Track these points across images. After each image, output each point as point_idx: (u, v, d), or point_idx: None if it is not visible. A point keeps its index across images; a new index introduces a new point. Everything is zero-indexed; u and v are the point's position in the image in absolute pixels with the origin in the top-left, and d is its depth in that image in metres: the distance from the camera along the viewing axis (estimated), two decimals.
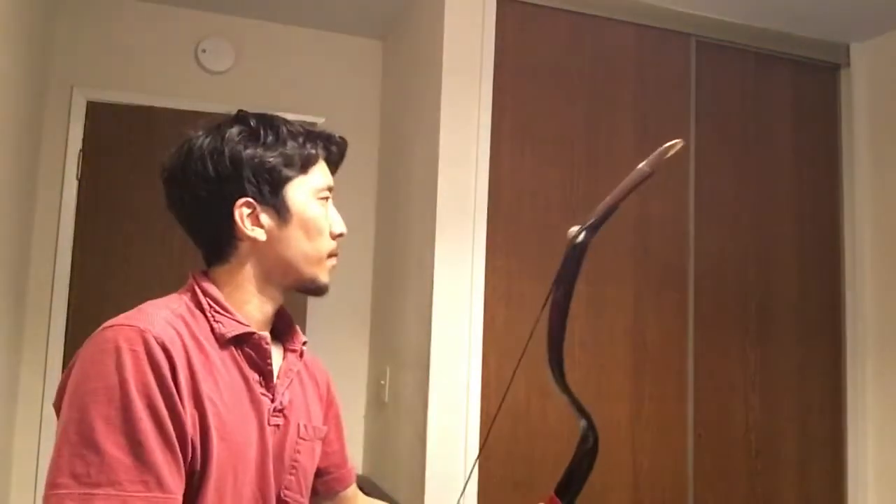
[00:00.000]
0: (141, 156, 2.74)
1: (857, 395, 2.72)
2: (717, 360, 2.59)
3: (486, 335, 2.30)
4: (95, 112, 2.73)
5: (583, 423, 1.11)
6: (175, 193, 1.07)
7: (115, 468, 0.83)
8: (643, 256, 2.50)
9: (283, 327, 1.11)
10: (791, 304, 2.72)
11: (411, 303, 2.48)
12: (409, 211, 2.58)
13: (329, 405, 1.19)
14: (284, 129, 1.05)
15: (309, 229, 1.04)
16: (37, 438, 2.53)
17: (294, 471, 1.05)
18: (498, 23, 2.41)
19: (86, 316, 2.63)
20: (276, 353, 1.07)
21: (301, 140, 1.05)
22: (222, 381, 0.96)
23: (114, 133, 2.74)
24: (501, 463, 2.29)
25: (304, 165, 1.05)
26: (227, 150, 1.01)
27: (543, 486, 2.57)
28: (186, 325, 0.96)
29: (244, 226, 1.01)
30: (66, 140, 2.67)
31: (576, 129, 2.51)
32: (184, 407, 0.89)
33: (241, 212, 1.01)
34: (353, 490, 1.26)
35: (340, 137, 1.12)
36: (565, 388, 1.09)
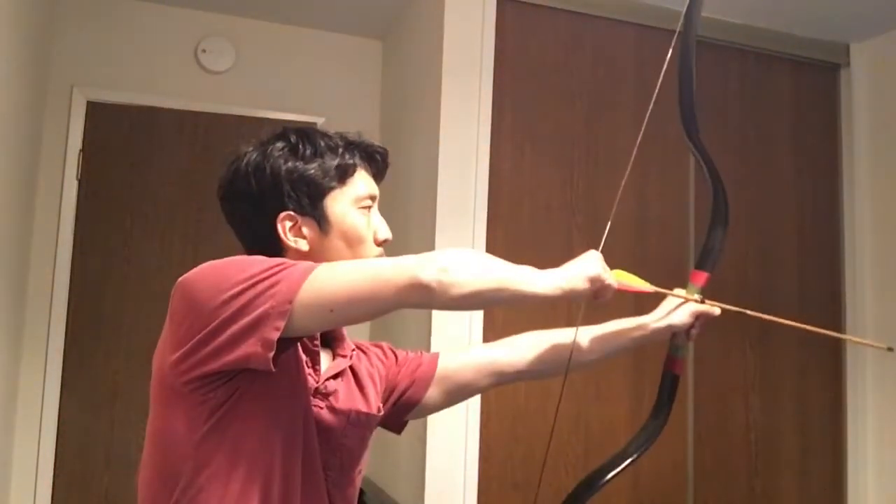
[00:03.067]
0: (141, 156, 2.74)
1: (857, 396, 2.72)
2: (717, 360, 2.58)
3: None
4: (95, 112, 2.73)
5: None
6: (227, 209, 1.13)
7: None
8: (643, 256, 2.50)
9: (335, 334, 1.17)
10: (791, 304, 2.72)
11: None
12: (409, 211, 2.58)
13: (388, 360, 1.27)
14: (322, 143, 1.10)
15: (349, 238, 1.10)
16: (37, 438, 2.54)
17: (339, 453, 1.10)
18: (498, 23, 2.41)
19: (86, 316, 2.63)
20: (326, 357, 1.14)
21: (339, 151, 1.10)
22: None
23: (114, 133, 2.74)
24: (501, 463, 2.29)
25: (343, 176, 1.10)
26: (267, 166, 1.07)
27: (544, 486, 2.57)
28: None
29: (287, 237, 1.07)
30: (66, 140, 2.67)
31: (576, 129, 2.50)
32: None
33: (284, 224, 1.08)
34: (452, 359, 1.29)
35: (381, 147, 1.17)
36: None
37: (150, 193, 2.71)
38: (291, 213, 1.07)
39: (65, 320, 2.61)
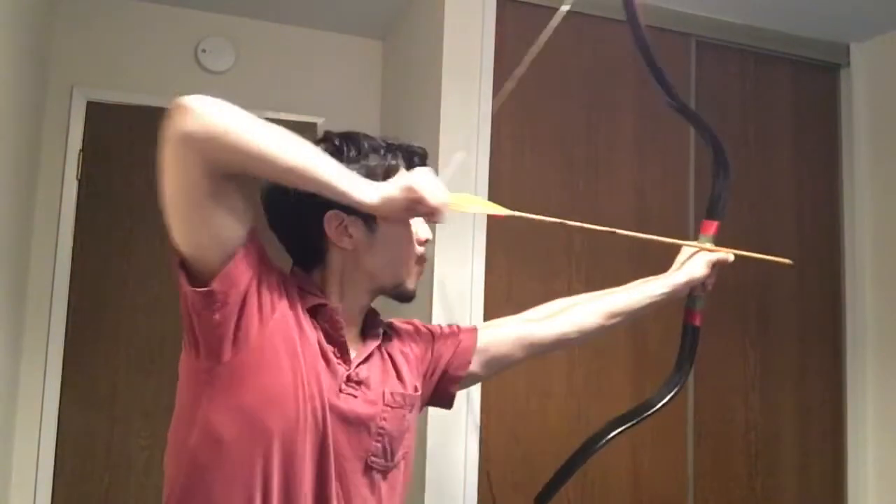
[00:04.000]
0: (141, 156, 2.72)
1: (857, 395, 2.72)
2: (717, 360, 2.58)
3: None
4: (95, 112, 2.72)
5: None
6: (272, 209, 1.15)
7: None
8: (643, 256, 2.50)
9: (369, 322, 1.21)
10: (791, 304, 2.72)
11: (411, 303, 2.47)
12: None
13: (422, 338, 1.28)
14: (366, 144, 1.13)
15: (394, 237, 1.13)
16: (37, 438, 2.53)
17: (380, 437, 1.11)
18: (498, 23, 2.41)
19: (86, 316, 2.62)
20: (356, 343, 1.15)
21: (382, 152, 1.13)
22: (301, 338, 1.05)
23: (114, 133, 2.74)
24: (501, 463, 2.29)
25: (386, 177, 1.11)
26: None
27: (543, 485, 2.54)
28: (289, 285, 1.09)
29: (333, 236, 1.10)
30: (66, 140, 2.67)
31: (576, 129, 2.50)
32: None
33: (331, 223, 1.10)
34: (489, 331, 1.33)
35: (421, 148, 1.19)
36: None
37: (150, 193, 2.67)
38: (338, 211, 1.09)
39: (65, 320, 2.60)
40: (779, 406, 2.66)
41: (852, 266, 2.78)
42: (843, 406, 2.74)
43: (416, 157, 1.17)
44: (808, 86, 2.84)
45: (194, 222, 0.98)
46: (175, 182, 0.98)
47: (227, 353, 1.00)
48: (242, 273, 0.99)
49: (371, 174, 1.10)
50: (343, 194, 1.00)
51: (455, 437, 2.23)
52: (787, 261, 1.39)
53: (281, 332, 1.03)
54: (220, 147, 0.93)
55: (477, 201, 1.10)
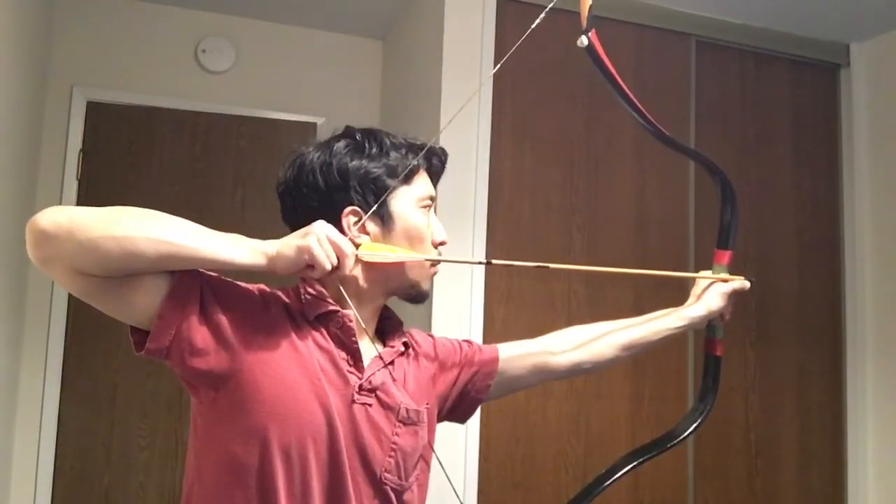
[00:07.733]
0: (141, 156, 2.74)
1: (857, 395, 2.72)
2: None
3: (486, 335, 2.30)
4: (95, 112, 2.73)
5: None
6: (289, 205, 1.13)
7: None
8: (643, 256, 2.50)
9: (390, 328, 1.17)
10: (791, 304, 2.72)
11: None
12: None
13: (440, 357, 1.24)
14: (388, 142, 1.11)
15: (412, 237, 1.10)
16: (37, 438, 2.53)
17: (393, 453, 1.07)
18: (498, 23, 2.41)
19: (86, 316, 2.62)
20: (371, 349, 1.11)
21: (404, 151, 1.11)
22: (301, 353, 1.03)
23: (114, 133, 2.74)
24: (501, 463, 2.29)
25: (407, 176, 1.11)
26: (335, 163, 1.09)
27: (543, 486, 2.57)
28: (281, 299, 1.07)
29: (351, 233, 1.07)
30: (66, 140, 2.67)
31: (576, 129, 2.51)
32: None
33: (349, 220, 1.08)
34: (508, 355, 1.30)
35: (441, 149, 1.17)
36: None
37: (150, 193, 2.71)
38: (357, 208, 1.08)
39: (65, 320, 2.61)
40: (779, 406, 2.66)
41: (852, 266, 2.78)
42: (843, 406, 2.74)
43: (435, 159, 1.16)
44: (808, 86, 2.84)
45: (108, 311, 1.00)
46: (70, 289, 0.99)
47: (213, 389, 1.01)
48: (169, 325, 0.97)
49: (391, 173, 1.09)
50: (226, 263, 0.97)
51: (455, 436, 2.23)
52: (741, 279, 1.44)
53: (269, 351, 1.02)
54: (75, 251, 0.94)
55: (392, 249, 1.08)
